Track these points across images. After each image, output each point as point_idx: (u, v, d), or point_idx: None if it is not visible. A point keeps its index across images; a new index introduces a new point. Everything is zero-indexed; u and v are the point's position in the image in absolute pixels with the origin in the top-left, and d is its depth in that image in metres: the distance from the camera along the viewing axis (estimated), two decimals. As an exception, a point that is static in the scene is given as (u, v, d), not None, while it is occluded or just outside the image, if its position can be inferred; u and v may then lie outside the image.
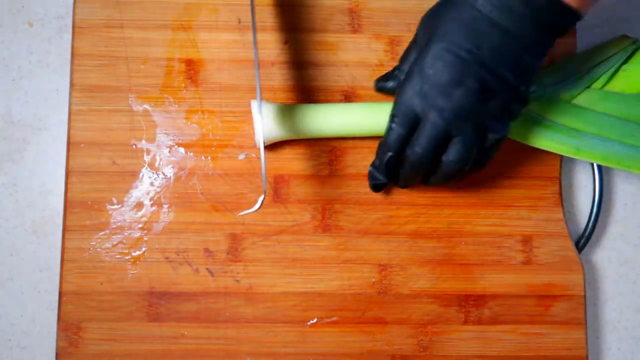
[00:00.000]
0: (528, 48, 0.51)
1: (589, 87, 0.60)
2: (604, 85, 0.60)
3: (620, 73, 0.60)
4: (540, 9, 0.49)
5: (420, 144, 0.52)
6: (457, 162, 0.53)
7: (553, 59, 0.62)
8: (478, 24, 0.50)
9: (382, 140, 0.54)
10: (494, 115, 0.53)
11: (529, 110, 0.59)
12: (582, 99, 0.60)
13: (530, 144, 0.59)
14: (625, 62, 0.60)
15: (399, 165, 0.55)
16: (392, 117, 0.53)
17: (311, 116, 0.59)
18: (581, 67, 0.60)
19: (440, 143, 0.52)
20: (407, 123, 0.52)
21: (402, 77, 0.57)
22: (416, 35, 0.56)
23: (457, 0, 0.51)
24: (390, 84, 0.60)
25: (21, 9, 0.65)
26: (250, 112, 0.61)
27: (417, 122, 0.52)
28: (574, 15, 0.50)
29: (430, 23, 0.53)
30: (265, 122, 0.58)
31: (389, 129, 0.53)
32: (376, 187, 0.58)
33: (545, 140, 0.58)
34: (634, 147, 0.58)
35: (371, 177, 0.57)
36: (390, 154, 0.54)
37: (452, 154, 0.53)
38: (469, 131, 0.52)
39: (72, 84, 0.61)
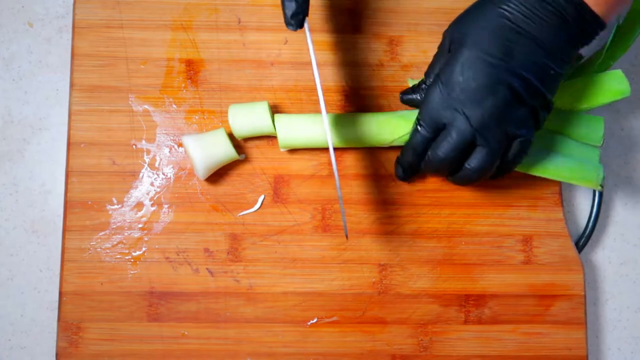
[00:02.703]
0: (554, 57, 0.51)
1: None
2: None
3: (559, 88, 0.59)
4: (569, 18, 0.50)
5: (442, 149, 0.53)
6: (478, 171, 0.53)
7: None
8: (507, 31, 0.50)
9: (407, 141, 0.55)
10: (521, 124, 0.52)
11: None
12: None
13: None
14: (570, 77, 0.59)
15: (421, 163, 0.56)
16: (418, 120, 0.53)
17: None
18: None
19: (463, 150, 0.52)
20: (432, 127, 0.53)
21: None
22: (441, 44, 0.55)
23: (485, 8, 0.52)
24: (418, 96, 0.57)
25: (21, 9, 0.65)
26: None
27: (443, 126, 0.53)
28: (600, 24, 0.51)
29: (458, 31, 0.53)
30: (201, 154, 0.58)
31: (415, 131, 0.54)
32: (402, 179, 0.60)
33: None
34: (556, 154, 0.58)
35: (397, 169, 0.60)
36: (413, 154, 0.55)
37: (474, 162, 0.53)
38: (494, 140, 0.52)
39: (72, 84, 0.61)
